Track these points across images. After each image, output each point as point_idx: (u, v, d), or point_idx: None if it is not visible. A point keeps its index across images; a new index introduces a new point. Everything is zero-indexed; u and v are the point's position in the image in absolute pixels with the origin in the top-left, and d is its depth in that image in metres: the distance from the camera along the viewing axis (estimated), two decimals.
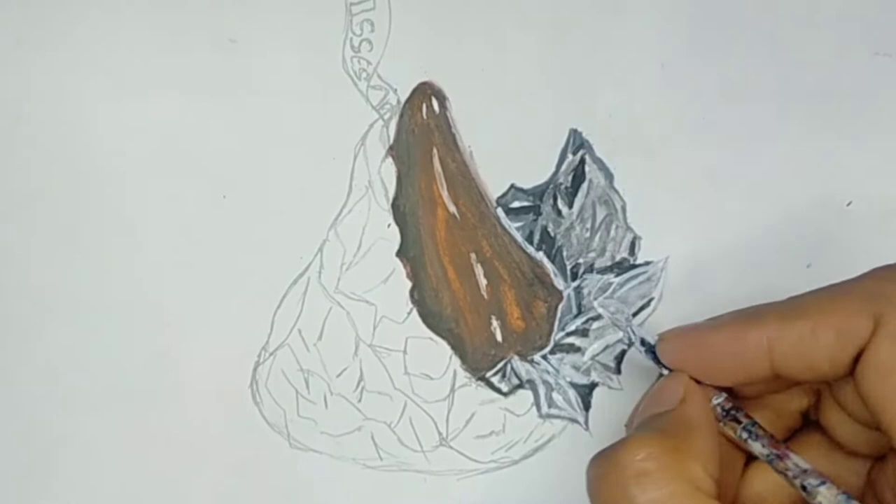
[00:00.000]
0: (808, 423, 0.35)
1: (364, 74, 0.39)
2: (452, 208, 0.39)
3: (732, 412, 0.33)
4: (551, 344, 0.39)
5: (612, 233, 0.39)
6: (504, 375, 0.39)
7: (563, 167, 0.39)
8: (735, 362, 0.32)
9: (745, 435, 0.32)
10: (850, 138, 0.39)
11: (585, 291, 0.39)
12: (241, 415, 0.39)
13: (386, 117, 0.39)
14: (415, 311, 0.39)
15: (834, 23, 0.39)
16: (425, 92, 0.39)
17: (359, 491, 0.39)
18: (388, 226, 0.39)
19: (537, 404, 0.39)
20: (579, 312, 0.39)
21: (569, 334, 0.39)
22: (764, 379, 0.32)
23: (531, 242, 0.39)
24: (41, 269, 0.39)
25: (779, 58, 0.39)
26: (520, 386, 0.39)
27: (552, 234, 0.39)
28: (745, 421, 0.33)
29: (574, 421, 0.39)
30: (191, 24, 0.39)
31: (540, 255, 0.39)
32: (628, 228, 0.39)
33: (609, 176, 0.39)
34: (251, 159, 0.39)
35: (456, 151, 0.39)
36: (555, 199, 0.39)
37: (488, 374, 0.39)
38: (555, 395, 0.39)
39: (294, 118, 0.39)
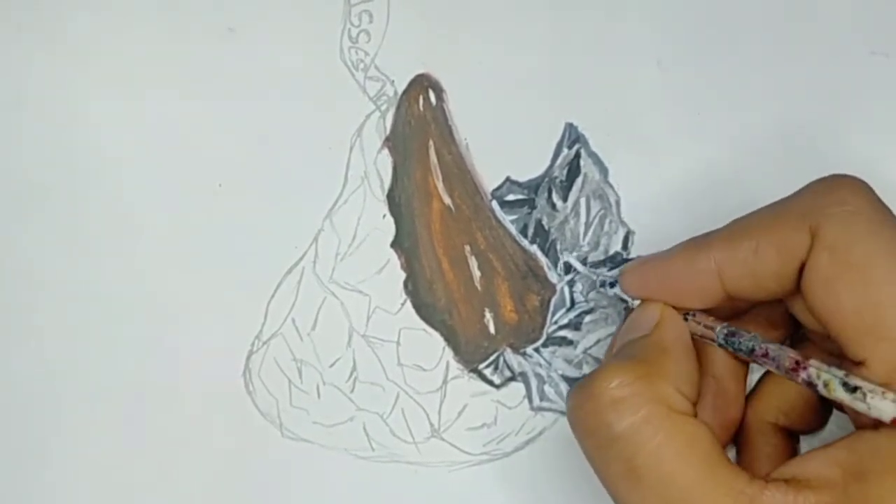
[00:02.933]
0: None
1: (361, 65, 0.39)
2: (447, 200, 0.39)
3: (709, 324, 0.33)
4: (544, 337, 0.39)
5: (606, 227, 0.39)
6: (496, 368, 0.39)
7: (559, 161, 0.39)
8: (690, 287, 0.33)
9: (725, 338, 0.33)
10: (847, 137, 0.39)
11: (579, 285, 0.39)
12: (233, 404, 0.39)
13: (383, 108, 0.39)
14: (408, 303, 0.39)
15: (831, 22, 0.39)
16: (422, 84, 0.39)
17: (350, 481, 0.39)
18: (384, 217, 0.39)
19: (529, 397, 0.39)
20: (572, 306, 0.39)
21: (561, 327, 0.39)
22: (721, 301, 0.33)
23: (525, 235, 0.39)
24: (35, 258, 0.39)
25: (775, 56, 0.39)
26: (512, 378, 0.39)
27: (546, 227, 0.39)
28: (719, 325, 0.33)
29: (565, 414, 0.39)
30: (189, 12, 0.39)
31: (534, 249, 0.39)
32: (622, 223, 0.39)
33: (604, 170, 0.39)
34: (247, 148, 0.39)
35: (452, 143, 0.39)
36: (549, 192, 0.39)
37: (481, 367, 0.39)
38: (547, 388, 0.39)
39: (291, 108, 0.39)
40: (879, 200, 0.31)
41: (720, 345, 0.33)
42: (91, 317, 0.39)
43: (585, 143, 0.39)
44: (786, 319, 0.35)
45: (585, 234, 0.39)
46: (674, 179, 0.39)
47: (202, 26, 0.39)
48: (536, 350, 0.39)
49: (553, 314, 0.39)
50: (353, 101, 0.39)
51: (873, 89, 0.39)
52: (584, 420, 0.31)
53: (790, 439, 0.35)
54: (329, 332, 0.39)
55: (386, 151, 0.39)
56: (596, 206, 0.39)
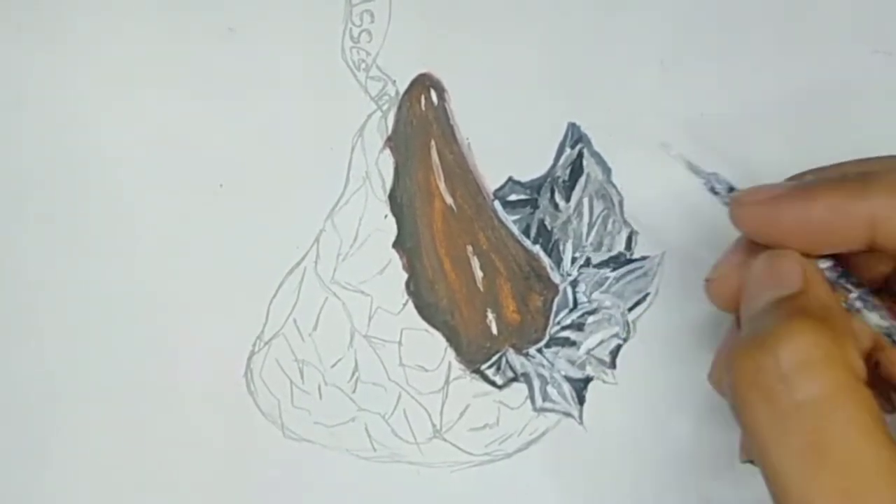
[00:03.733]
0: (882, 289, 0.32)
1: (363, 65, 0.39)
2: (449, 200, 0.39)
3: (842, 280, 0.30)
4: (546, 337, 0.39)
5: (609, 227, 0.39)
6: (499, 368, 0.39)
7: (561, 161, 0.39)
8: (833, 236, 0.29)
9: (858, 304, 0.30)
10: (849, 135, 0.39)
11: (582, 286, 0.39)
12: (235, 404, 0.39)
13: (384, 108, 0.39)
14: (410, 303, 0.39)
15: (833, 20, 0.39)
16: (424, 84, 0.39)
17: (352, 482, 0.39)
18: (385, 217, 0.39)
19: (532, 398, 0.39)
20: (575, 306, 0.39)
21: (564, 328, 0.39)
22: (855, 251, 0.30)
23: (528, 236, 0.39)
24: (35, 258, 0.39)
25: (777, 55, 0.39)
26: (514, 379, 0.39)
27: (549, 227, 0.39)
28: (857, 291, 0.30)
29: (568, 415, 0.39)
30: (189, 12, 0.39)
31: (536, 249, 0.39)
32: (625, 223, 0.39)
33: (607, 170, 0.39)
34: (248, 148, 0.39)
35: (454, 143, 0.39)
36: (552, 192, 0.39)
37: (483, 367, 0.39)
38: (549, 388, 0.39)
39: (292, 108, 0.39)
40: None
41: (854, 308, 0.30)
42: (92, 317, 0.39)
43: (588, 143, 0.39)
44: (877, 277, 0.32)
45: (588, 234, 0.39)
46: (677, 179, 0.39)
47: (202, 26, 0.39)
48: (539, 350, 0.39)
49: (556, 315, 0.39)
50: (354, 100, 0.39)
51: (875, 88, 0.39)
52: (760, 383, 0.27)
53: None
54: (331, 333, 0.39)
55: (388, 151, 0.39)
56: (599, 206, 0.39)
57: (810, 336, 0.27)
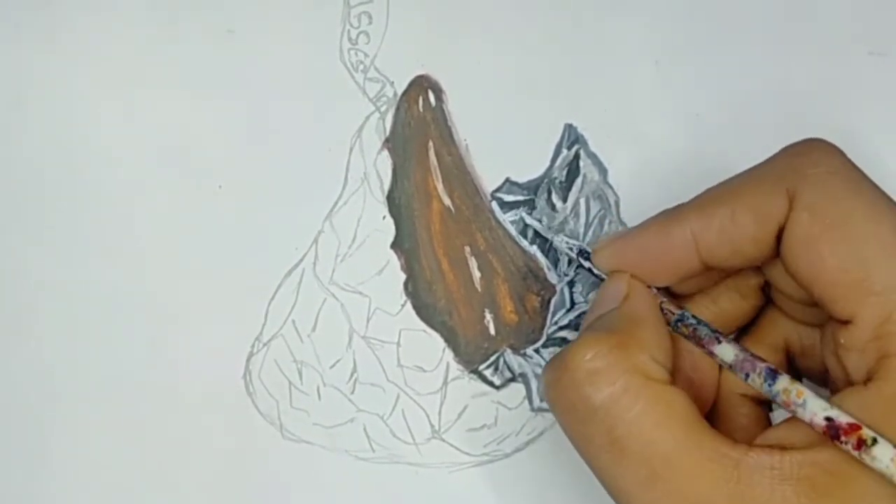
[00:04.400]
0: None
1: (361, 67, 0.39)
2: (447, 201, 0.39)
3: (664, 307, 0.34)
4: (544, 338, 0.39)
5: (606, 227, 0.39)
6: (497, 368, 0.39)
7: (558, 162, 0.39)
8: (665, 260, 0.33)
9: (677, 328, 0.33)
10: (846, 136, 0.39)
11: (579, 286, 0.39)
12: (234, 405, 0.39)
13: (382, 110, 0.39)
14: (408, 304, 0.39)
15: (829, 21, 0.39)
16: (422, 85, 0.39)
17: (350, 482, 0.39)
18: (384, 218, 0.39)
19: (529, 398, 0.39)
20: (572, 306, 0.39)
21: (561, 328, 0.39)
22: (696, 272, 0.33)
23: (525, 236, 0.39)
24: (35, 259, 0.39)
25: (774, 56, 0.39)
26: (512, 379, 0.39)
27: (544, 229, 0.39)
28: (676, 312, 0.33)
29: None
30: (189, 14, 0.39)
31: (534, 249, 0.39)
32: (621, 223, 0.39)
33: (603, 171, 0.39)
34: (247, 150, 0.39)
35: (452, 145, 0.39)
36: (549, 193, 0.39)
37: (481, 367, 0.39)
38: None
39: (291, 109, 0.39)
40: (852, 162, 0.31)
41: (674, 330, 0.34)
42: (91, 318, 0.39)
43: (585, 144, 0.39)
44: (756, 291, 0.35)
45: (585, 234, 0.39)
46: (673, 180, 0.39)
47: (202, 28, 0.39)
48: (536, 351, 0.39)
49: (553, 315, 0.39)
50: (352, 102, 0.39)
51: (872, 89, 0.40)
52: (562, 395, 0.31)
53: (763, 409, 0.35)
54: (329, 334, 0.39)
55: (386, 153, 0.39)
56: (595, 207, 0.39)
57: (595, 347, 0.30)
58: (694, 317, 0.33)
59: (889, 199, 0.30)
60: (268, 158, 0.39)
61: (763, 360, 0.31)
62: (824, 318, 0.32)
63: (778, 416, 0.36)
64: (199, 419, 0.39)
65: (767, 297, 0.35)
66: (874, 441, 0.28)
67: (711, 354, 0.33)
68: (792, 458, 0.29)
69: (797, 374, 0.35)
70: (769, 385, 0.31)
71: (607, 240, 0.35)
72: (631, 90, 0.39)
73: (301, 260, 0.39)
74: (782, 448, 0.29)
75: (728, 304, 0.35)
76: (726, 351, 0.32)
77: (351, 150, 0.39)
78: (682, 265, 0.33)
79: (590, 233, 0.39)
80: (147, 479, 0.39)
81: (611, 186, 0.39)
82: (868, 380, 0.29)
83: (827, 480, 0.28)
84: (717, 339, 0.33)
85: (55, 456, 0.39)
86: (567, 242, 0.37)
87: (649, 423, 0.30)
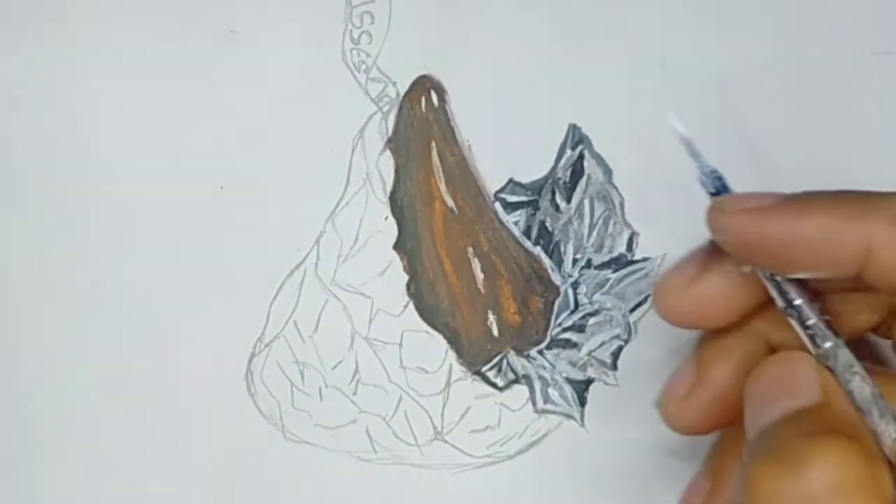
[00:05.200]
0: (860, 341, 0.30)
1: (363, 67, 0.39)
2: (450, 202, 0.39)
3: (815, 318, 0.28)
4: (547, 339, 0.39)
5: (610, 228, 0.39)
6: (500, 370, 0.39)
7: (562, 162, 0.39)
8: (819, 259, 0.27)
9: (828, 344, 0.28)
10: (849, 136, 0.39)
11: (583, 287, 0.39)
12: (235, 406, 0.39)
13: (385, 110, 0.39)
14: (411, 305, 0.39)
15: (833, 20, 0.39)
16: (424, 85, 0.39)
17: (352, 484, 0.39)
18: (386, 218, 0.39)
19: (533, 399, 0.39)
20: (576, 308, 0.39)
21: (565, 330, 0.39)
22: (843, 279, 0.27)
23: (529, 237, 0.39)
24: (35, 259, 0.39)
25: (778, 55, 0.39)
26: (515, 381, 0.39)
27: (550, 228, 0.39)
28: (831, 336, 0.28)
29: (569, 417, 0.39)
30: (191, 14, 0.39)
31: (537, 250, 0.39)
32: (626, 224, 0.39)
33: (608, 171, 0.39)
34: (249, 150, 0.39)
35: (454, 145, 0.39)
36: (553, 193, 0.39)
37: (484, 369, 0.39)
38: (550, 390, 0.39)
39: (292, 110, 0.39)
40: None
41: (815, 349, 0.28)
42: (91, 319, 0.39)
43: (589, 144, 0.39)
44: (857, 328, 0.30)
45: (589, 235, 0.39)
46: (678, 180, 0.39)
47: (203, 28, 0.39)
48: (540, 352, 0.39)
49: (557, 316, 0.39)
50: (354, 102, 0.39)
51: (875, 88, 0.39)
52: None
53: None
54: (331, 335, 0.39)
55: (388, 153, 0.39)
56: (600, 208, 0.39)
57: (843, 457, 0.25)
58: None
59: None
60: (269, 159, 0.39)
61: None
62: None
63: None
64: (200, 420, 0.39)
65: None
66: None
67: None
68: None
69: None
70: None
71: (742, 203, 0.29)
72: (636, 90, 0.39)
73: (303, 261, 0.39)
74: None
75: (853, 315, 0.30)
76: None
77: (353, 150, 0.39)
78: (838, 270, 0.27)
79: (594, 234, 0.39)
80: (148, 480, 0.39)
81: (615, 187, 0.39)
82: None
83: None
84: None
85: (54, 457, 0.39)
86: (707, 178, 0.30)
87: None
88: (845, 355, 0.27)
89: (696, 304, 0.29)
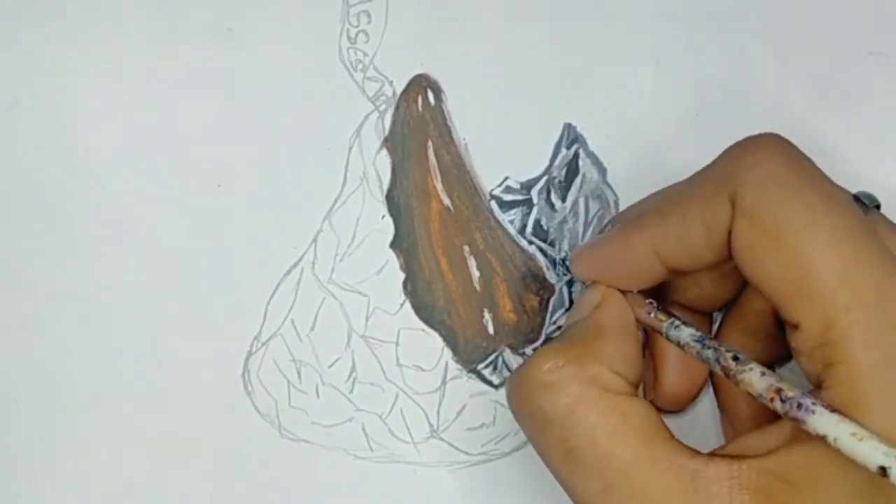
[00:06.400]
0: None
1: (360, 66, 0.39)
2: (446, 200, 0.39)
3: (654, 314, 0.33)
4: (543, 337, 0.39)
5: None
6: (496, 368, 0.39)
7: (557, 161, 0.39)
8: (631, 268, 0.33)
9: (673, 331, 0.33)
10: (845, 137, 0.39)
11: (577, 285, 0.39)
12: (232, 404, 0.39)
13: (381, 109, 0.39)
14: (407, 303, 0.39)
15: (828, 21, 0.39)
16: (421, 84, 0.39)
17: (349, 482, 0.39)
18: (383, 217, 0.39)
19: None
20: (571, 306, 0.39)
21: (560, 328, 0.39)
22: (664, 276, 0.33)
23: (524, 235, 0.39)
24: (34, 258, 0.39)
25: (773, 56, 0.39)
26: None
27: (545, 227, 0.39)
28: (666, 321, 0.33)
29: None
30: (188, 12, 0.39)
31: (533, 249, 0.39)
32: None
33: (602, 171, 0.39)
34: (246, 149, 0.39)
35: (451, 144, 0.39)
36: (548, 192, 0.39)
37: (480, 367, 0.39)
38: None
39: (290, 108, 0.39)
40: (798, 159, 0.31)
41: (666, 338, 0.33)
42: (89, 317, 0.39)
43: (584, 143, 0.39)
44: (737, 270, 0.34)
45: (584, 234, 0.39)
46: (672, 180, 0.39)
47: (201, 26, 0.39)
48: (535, 350, 0.39)
49: (552, 314, 0.39)
50: (351, 101, 0.39)
51: (871, 89, 0.40)
52: (520, 405, 0.32)
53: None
54: (328, 333, 0.39)
55: (385, 152, 0.39)
56: (595, 207, 0.39)
57: (552, 360, 0.31)
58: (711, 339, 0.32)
59: (832, 198, 0.29)
60: (266, 157, 0.39)
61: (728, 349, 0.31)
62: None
63: None
64: (197, 418, 0.39)
65: None
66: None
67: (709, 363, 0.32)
68: (749, 466, 0.29)
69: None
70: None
71: (579, 249, 0.35)
72: (631, 90, 0.39)
73: (300, 259, 0.39)
74: (743, 457, 0.29)
75: (711, 286, 0.35)
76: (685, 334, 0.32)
77: (350, 149, 0.39)
78: (648, 272, 0.33)
79: (589, 232, 0.39)
80: (145, 478, 0.39)
81: (610, 186, 0.39)
82: (818, 386, 0.29)
83: (783, 489, 0.28)
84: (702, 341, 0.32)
85: (52, 455, 0.39)
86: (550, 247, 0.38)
87: (603, 434, 0.30)
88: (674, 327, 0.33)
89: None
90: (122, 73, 0.39)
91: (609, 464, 0.30)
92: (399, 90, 0.39)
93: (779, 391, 0.29)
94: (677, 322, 0.33)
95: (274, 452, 0.39)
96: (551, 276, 0.39)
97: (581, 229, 0.39)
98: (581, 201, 0.39)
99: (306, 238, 0.39)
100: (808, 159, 0.31)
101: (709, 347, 0.31)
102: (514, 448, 0.39)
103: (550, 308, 0.39)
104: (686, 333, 0.32)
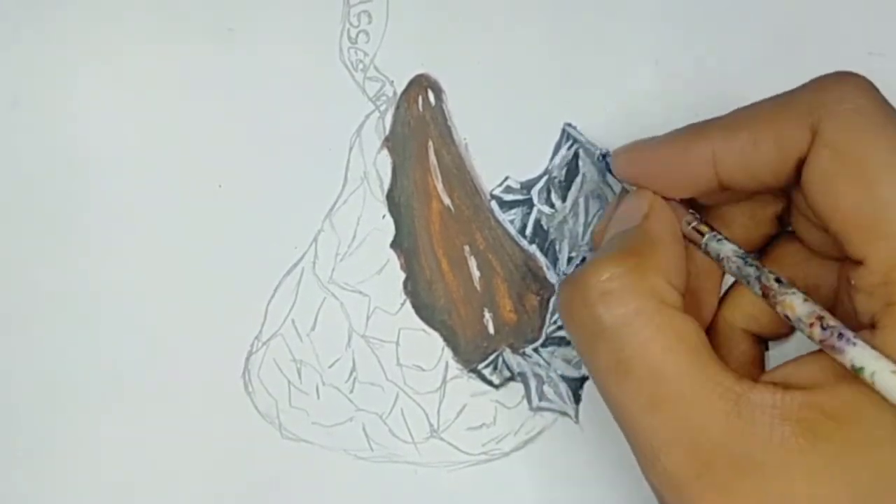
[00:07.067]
0: (785, 230, 0.35)
1: (361, 66, 0.39)
2: (447, 200, 0.39)
3: (696, 225, 0.33)
4: (543, 337, 0.39)
5: None
6: (496, 368, 0.39)
7: (557, 161, 0.39)
8: (682, 175, 0.32)
9: (711, 244, 0.33)
10: None
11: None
12: (232, 404, 0.39)
13: (382, 109, 0.39)
14: (408, 303, 0.39)
15: (828, 21, 0.39)
16: (421, 84, 0.39)
17: (349, 481, 0.39)
18: (383, 217, 0.39)
19: (528, 397, 0.39)
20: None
21: (560, 327, 0.39)
22: (712, 190, 0.32)
23: (524, 235, 0.39)
24: (33, 259, 0.39)
25: (773, 56, 0.39)
26: (511, 378, 0.39)
27: (545, 227, 0.39)
28: (708, 232, 0.33)
29: (564, 414, 0.39)
30: (189, 12, 0.39)
31: (533, 249, 0.39)
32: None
33: (602, 170, 0.39)
34: (247, 149, 0.39)
35: (451, 144, 0.39)
36: (548, 192, 0.39)
37: (480, 367, 0.39)
38: (546, 387, 0.39)
39: (290, 108, 0.39)
40: (884, 99, 0.31)
41: (704, 251, 0.33)
42: (90, 317, 0.39)
43: (584, 143, 0.39)
44: (772, 220, 0.35)
45: (584, 233, 0.39)
46: None
47: (201, 26, 0.39)
48: (535, 350, 0.39)
49: (552, 314, 0.39)
50: (352, 101, 0.39)
51: None
52: (574, 313, 0.31)
53: (759, 346, 0.35)
54: (328, 333, 0.39)
55: (385, 152, 0.39)
56: (595, 206, 0.39)
57: (611, 268, 0.30)
58: (749, 257, 0.32)
59: None
60: (267, 157, 0.39)
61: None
62: (843, 253, 0.32)
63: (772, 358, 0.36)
64: (197, 418, 0.39)
65: (781, 229, 0.35)
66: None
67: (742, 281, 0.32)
68: (793, 398, 0.29)
69: None
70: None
71: (628, 147, 0.34)
72: (631, 89, 0.39)
73: (300, 259, 0.39)
74: (786, 387, 0.29)
75: (740, 229, 0.34)
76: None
77: (350, 149, 0.39)
78: (699, 182, 0.32)
79: (588, 232, 0.39)
80: (146, 478, 0.39)
81: (610, 186, 0.39)
82: (873, 326, 0.29)
83: (826, 424, 0.28)
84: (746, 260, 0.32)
85: (53, 454, 0.39)
86: (592, 144, 0.37)
87: (657, 348, 0.30)
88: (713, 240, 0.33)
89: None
90: (122, 73, 0.39)
91: (659, 378, 0.29)
92: (399, 90, 0.39)
93: (820, 318, 0.29)
94: (719, 235, 0.33)
95: (274, 452, 0.39)
96: (551, 276, 0.39)
97: (581, 229, 0.39)
98: (581, 201, 0.39)
99: (307, 238, 0.39)
100: (891, 104, 0.31)
101: (751, 265, 0.31)
102: (514, 448, 0.39)
103: (551, 308, 0.39)
104: (728, 248, 0.32)
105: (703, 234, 0.33)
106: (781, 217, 0.35)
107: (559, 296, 0.32)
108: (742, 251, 0.32)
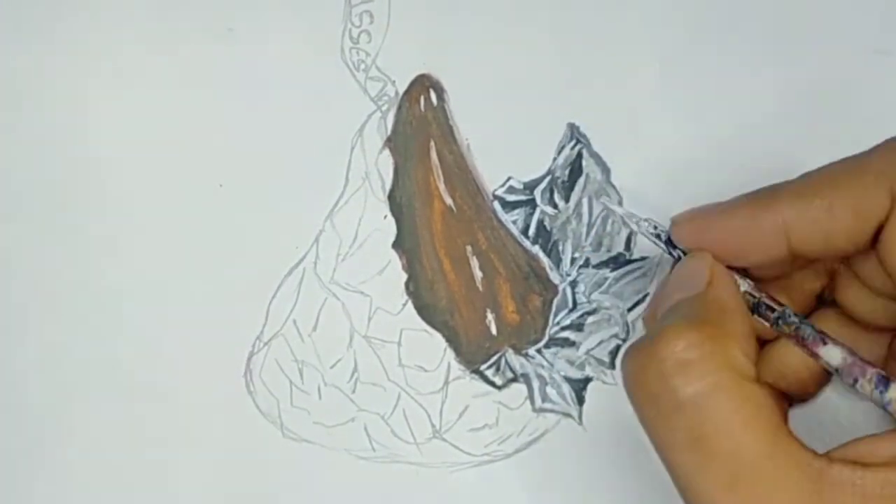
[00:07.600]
0: (822, 303, 0.35)
1: (362, 66, 0.39)
2: (449, 201, 0.39)
3: (762, 299, 0.32)
4: (546, 338, 0.39)
5: (609, 227, 0.39)
6: (498, 369, 0.39)
7: (561, 161, 0.39)
8: (752, 244, 0.31)
9: (782, 324, 0.32)
10: (849, 135, 0.39)
11: (581, 286, 0.39)
12: (234, 404, 0.39)
13: (384, 109, 0.39)
14: (410, 303, 0.39)
15: (834, 19, 0.39)
16: (423, 84, 0.39)
17: (351, 482, 0.39)
18: (385, 217, 0.39)
19: (531, 398, 0.39)
20: (574, 307, 0.39)
21: (563, 328, 0.39)
22: (781, 260, 0.31)
23: (527, 236, 0.39)
24: (34, 258, 0.39)
25: (778, 55, 0.39)
26: (514, 379, 0.39)
27: (548, 227, 0.39)
28: (778, 309, 0.32)
29: (567, 415, 0.39)
30: (189, 12, 0.39)
31: (536, 249, 0.39)
32: (624, 223, 0.39)
33: (606, 171, 0.39)
34: (248, 149, 0.39)
35: (453, 144, 0.39)
36: (551, 192, 0.39)
37: (482, 367, 0.39)
38: (549, 389, 0.39)
39: (292, 108, 0.39)
40: None
41: (755, 312, 0.32)
42: (90, 317, 0.39)
43: (587, 144, 0.39)
44: (810, 296, 0.34)
45: (587, 234, 0.39)
46: (676, 179, 0.39)
47: (202, 26, 0.39)
48: (538, 351, 0.39)
49: (555, 315, 0.39)
50: (354, 101, 0.39)
51: (877, 87, 0.39)
52: (646, 385, 0.29)
53: (784, 404, 0.34)
54: (330, 333, 0.39)
55: (387, 152, 0.39)
56: (598, 207, 0.39)
57: (689, 338, 0.29)
58: (796, 314, 0.32)
59: None
60: (269, 157, 0.39)
61: (873, 365, 0.30)
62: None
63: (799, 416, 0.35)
64: (199, 418, 0.39)
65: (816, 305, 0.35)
66: None
67: (815, 356, 0.31)
68: (875, 476, 0.28)
69: None
70: (880, 392, 0.29)
71: (690, 214, 0.33)
72: (634, 89, 0.39)
73: (302, 259, 0.39)
74: (864, 464, 0.28)
75: (795, 288, 0.34)
76: (832, 353, 0.31)
77: (352, 149, 0.39)
78: (770, 252, 0.31)
79: (592, 233, 0.39)
80: (147, 478, 0.39)
81: (613, 186, 0.39)
82: None
83: None
84: (823, 340, 0.31)
85: (54, 455, 0.39)
86: (643, 221, 0.35)
87: (738, 424, 0.28)
88: (790, 315, 0.32)
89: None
90: (123, 73, 0.39)
91: (741, 456, 0.28)
92: (401, 90, 0.39)
93: None
94: (789, 311, 0.32)
95: (276, 452, 0.39)
96: (554, 277, 0.39)
97: (584, 230, 0.39)
98: (584, 201, 0.39)
99: (308, 238, 0.39)
100: None
101: (827, 342, 0.31)
102: (516, 449, 0.39)
103: (553, 309, 0.39)
104: (808, 330, 0.31)
105: (773, 310, 0.32)
106: (820, 293, 0.34)
107: (623, 365, 0.30)
108: (816, 328, 0.31)
